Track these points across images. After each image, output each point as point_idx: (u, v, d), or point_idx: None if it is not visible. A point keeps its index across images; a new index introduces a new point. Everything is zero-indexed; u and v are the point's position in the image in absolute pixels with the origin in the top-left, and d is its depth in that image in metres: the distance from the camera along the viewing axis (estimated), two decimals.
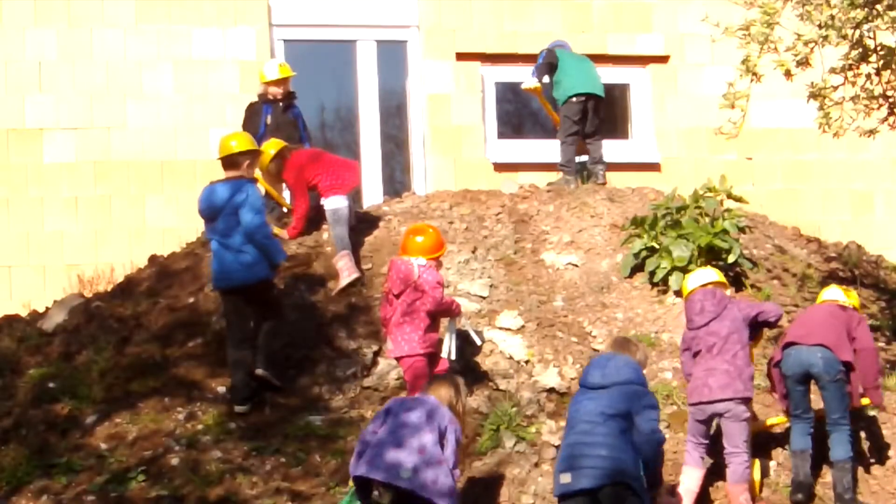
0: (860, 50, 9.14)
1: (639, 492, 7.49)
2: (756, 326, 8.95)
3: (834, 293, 9.33)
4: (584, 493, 7.47)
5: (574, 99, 12.06)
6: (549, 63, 12.14)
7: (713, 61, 13.27)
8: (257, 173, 10.59)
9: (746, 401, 8.63)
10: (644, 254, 10.56)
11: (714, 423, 8.74)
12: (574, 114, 12.06)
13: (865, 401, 9.04)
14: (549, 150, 12.55)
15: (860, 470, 9.11)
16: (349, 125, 13.40)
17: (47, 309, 10.90)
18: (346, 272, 10.37)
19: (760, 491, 8.86)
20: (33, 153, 12.38)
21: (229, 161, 9.50)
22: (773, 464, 9.07)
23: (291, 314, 10.07)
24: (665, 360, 9.80)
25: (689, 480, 8.67)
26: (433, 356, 8.99)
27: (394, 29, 13.43)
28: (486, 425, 8.91)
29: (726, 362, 8.63)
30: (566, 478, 7.53)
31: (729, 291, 9.20)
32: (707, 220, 10.58)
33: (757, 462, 8.86)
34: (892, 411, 9.52)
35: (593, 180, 12.14)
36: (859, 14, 8.73)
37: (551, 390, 9.50)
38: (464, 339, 9.46)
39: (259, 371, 9.31)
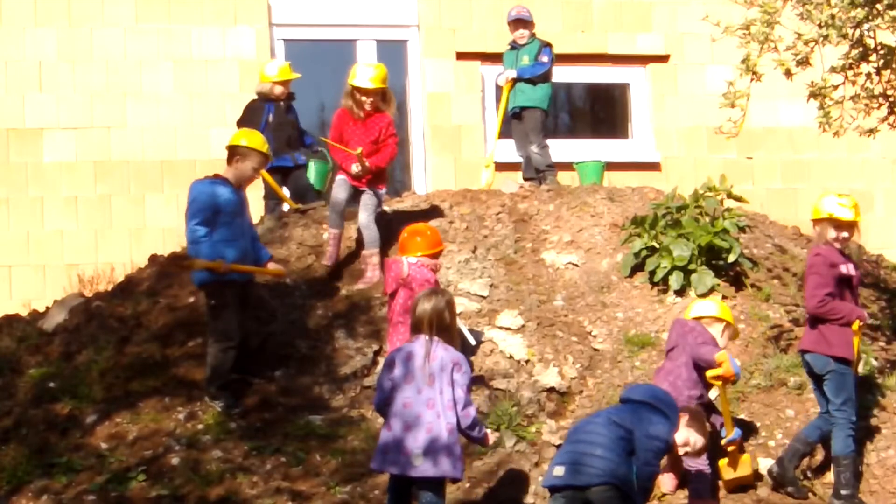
0: (860, 49, 9.14)
1: (630, 495, 7.45)
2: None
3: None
4: (573, 489, 7.46)
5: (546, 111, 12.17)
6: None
7: (713, 60, 13.30)
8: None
9: None
10: (644, 253, 10.56)
11: None
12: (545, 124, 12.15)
13: (854, 326, 8.72)
14: (550, 149, 12.54)
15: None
16: None
17: (47, 308, 10.89)
18: (378, 271, 10.30)
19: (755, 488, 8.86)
20: (33, 153, 12.40)
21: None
22: (771, 463, 9.05)
23: (292, 313, 10.07)
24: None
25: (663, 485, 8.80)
26: None
27: (394, 28, 13.45)
28: (486, 425, 8.89)
29: None
30: (559, 471, 7.53)
31: (720, 329, 8.87)
32: (707, 219, 10.57)
33: (747, 456, 8.88)
34: (893, 411, 9.49)
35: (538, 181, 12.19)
36: (859, 13, 8.73)
37: (551, 390, 9.50)
38: (462, 339, 9.45)
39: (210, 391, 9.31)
